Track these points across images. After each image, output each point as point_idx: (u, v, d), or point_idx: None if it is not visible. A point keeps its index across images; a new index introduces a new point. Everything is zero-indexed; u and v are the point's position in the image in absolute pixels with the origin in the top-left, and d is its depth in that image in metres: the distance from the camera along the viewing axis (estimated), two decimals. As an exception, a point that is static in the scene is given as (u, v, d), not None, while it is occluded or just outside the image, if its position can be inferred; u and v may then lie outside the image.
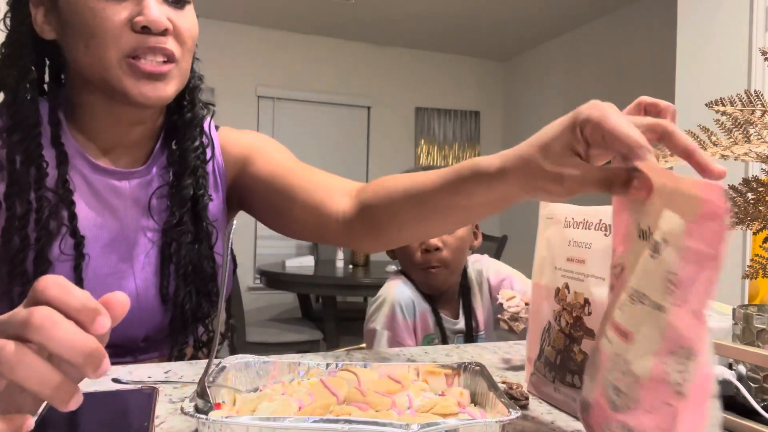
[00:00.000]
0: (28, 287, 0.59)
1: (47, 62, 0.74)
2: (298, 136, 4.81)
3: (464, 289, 1.08)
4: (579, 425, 0.53)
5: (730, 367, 0.55)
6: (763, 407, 0.49)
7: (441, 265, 1.00)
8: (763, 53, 0.55)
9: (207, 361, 0.50)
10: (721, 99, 0.55)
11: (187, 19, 0.70)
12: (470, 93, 5.45)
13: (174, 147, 0.79)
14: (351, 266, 3.46)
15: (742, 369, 0.54)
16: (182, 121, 0.78)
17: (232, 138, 0.86)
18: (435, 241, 0.98)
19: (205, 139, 0.80)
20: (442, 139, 5.32)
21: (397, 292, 1.06)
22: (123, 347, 0.76)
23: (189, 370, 0.67)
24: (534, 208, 0.63)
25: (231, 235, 0.63)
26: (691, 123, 0.57)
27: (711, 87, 2.36)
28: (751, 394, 0.50)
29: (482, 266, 1.12)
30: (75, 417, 0.49)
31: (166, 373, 0.66)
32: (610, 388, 0.40)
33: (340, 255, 3.60)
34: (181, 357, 0.80)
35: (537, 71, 5.05)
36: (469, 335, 1.04)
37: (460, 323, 1.06)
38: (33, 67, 0.69)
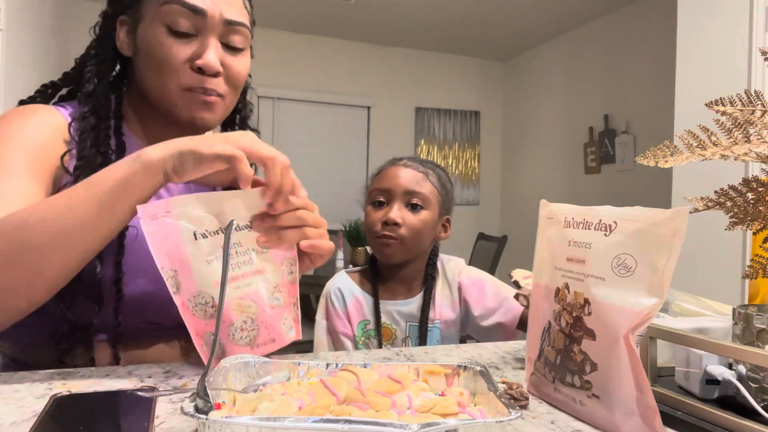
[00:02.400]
0: None
1: (118, 68, 0.86)
2: (298, 136, 4.82)
3: (428, 276, 1.11)
4: (579, 425, 0.53)
5: (730, 367, 0.55)
6: (763, 407, 0.49)
7: (397, 238, 1.04)
8: (763, 53, 0.55)
9: (207, 361, 0.50)
10: (721, 99, 0.55)
11: (240, 63, 0.81)
12: (470, 93, 5.46)
13: None
14: (351, 266, 3.46)
15: (742, 369, 0.54)
16: None
17: None
18: (395, 216, 1.03)
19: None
20: (442, 139, 5.33)
21: (330, 283, 1.12)
22: (161, 325, 0.80)
23: (189, 370, 0.67)
24: (534, 208, 0.63)
25: (230, 236, 0.63)
26: (691, 123, 0.57)
27: (711, 87, 2.36)
28: (751, 394, 0.50)
29: (456, 268, 1.15)
30: (75, 417, 0.49)
31: (166, 373, 0.66)
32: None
33: (340, 255, 3.60)
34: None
35: (537, 71, 5.06)
36: (424, 322, 1.07)
37: (411, 306, 1.08)
38: (109, 71, 0.82)
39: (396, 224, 1.03)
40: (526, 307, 0.83)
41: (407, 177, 1.06)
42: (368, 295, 1.10)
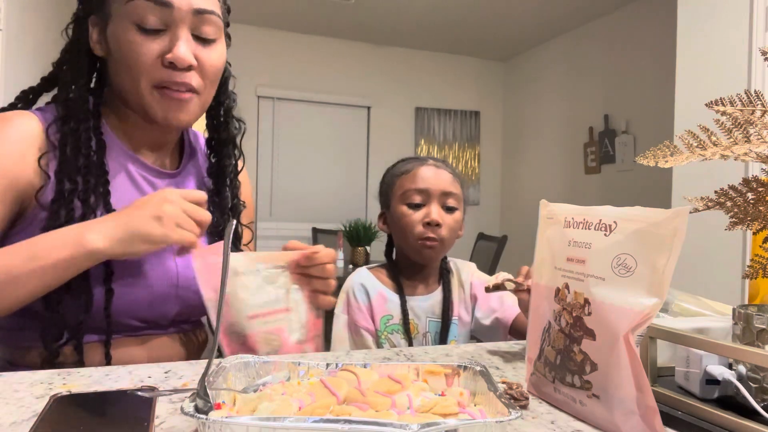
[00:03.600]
0: None
1: (96, 69, 0.84)
2: (298, 136, 4.81)
3: (444, 271, 1.13)
4: (579, 425, 0.53)
5: (730, 367, 0.55)
6: (763, 407, 0.49)
7: (438, 238, 1.05)
8: (763, 53, 0.55)
9: (207, 361, 0.50)
10: (721, 99, 0.54)
11: (213, 54, 0.79)
12: (470, 93, 5.46)
13: (213, 161, 0.92)
14: (351, 266, 3.46)
15: (742, 369, 0.54)
16: (219, 139, 0.91)
17: (246, 181, 1.01)
18: (437, 218, 1.05)
19: (236, 152, 0.94)
20: (442, 139, 5.33)
21: (352, 278, 1.13)
22: (154, 322, 0.81)
23: (189, 370, 0.67)
24: (534, 208, 0.63)
25: (230, 235, 0.63)
26: (691, 123, 0.57)
27: (711, 87, 2.36)
28: (751, 394, 0.50)
29: (469, 271, 1.18)
30: (75, 417, 0.49)
31: (166, 373, 0.66)
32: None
33: (340, 255, 3.60)
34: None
35: (537, 71, 5.05)
36: (446, 317, 1.08)
37: (430, 301, 1.10)
38: (85, 72, 0.80)
39: (437, 225, 1.05)
40: (511, 290, 0.85)
41: (443, 178, 1.08)
42: (391, 291, 1.11)
